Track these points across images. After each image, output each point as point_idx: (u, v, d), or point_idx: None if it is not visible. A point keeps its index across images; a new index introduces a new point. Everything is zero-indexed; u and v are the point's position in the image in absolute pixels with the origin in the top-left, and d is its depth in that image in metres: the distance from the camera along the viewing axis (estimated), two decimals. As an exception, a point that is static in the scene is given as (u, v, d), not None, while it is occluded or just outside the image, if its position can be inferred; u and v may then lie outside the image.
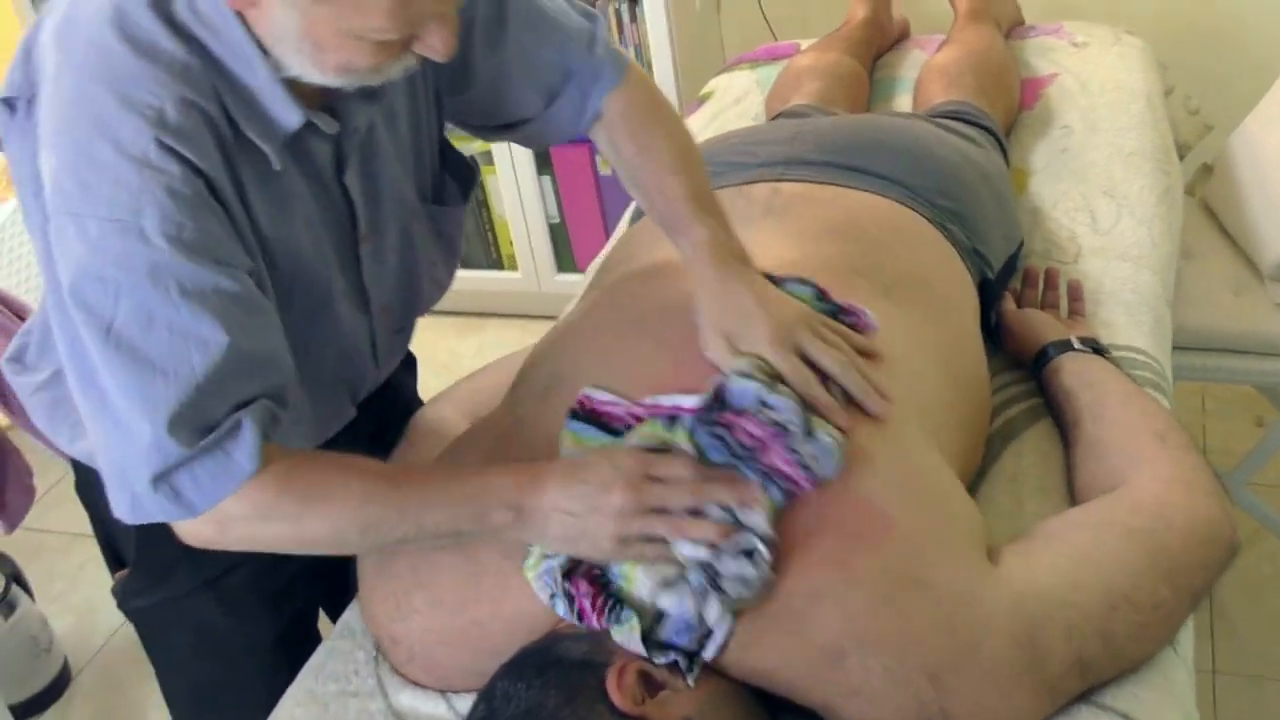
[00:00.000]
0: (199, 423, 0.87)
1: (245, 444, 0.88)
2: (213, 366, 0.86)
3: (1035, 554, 0.98)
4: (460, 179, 1.23)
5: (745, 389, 0.96)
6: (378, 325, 1.16)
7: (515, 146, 2.65)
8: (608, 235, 2.70)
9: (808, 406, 0.97)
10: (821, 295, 1.09)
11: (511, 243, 2.84)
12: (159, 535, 1.12)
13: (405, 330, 1.25)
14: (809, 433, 0.94)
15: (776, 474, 0.94)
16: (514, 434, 1.08)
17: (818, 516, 0.93)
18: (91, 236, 0.84)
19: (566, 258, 2.84)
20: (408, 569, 1.06)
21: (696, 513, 0.92)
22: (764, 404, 0.95)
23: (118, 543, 1.27)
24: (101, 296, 0.85)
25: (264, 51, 0.89)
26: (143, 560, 1.21)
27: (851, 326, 1.07)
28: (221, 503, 0.89)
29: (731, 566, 0.90)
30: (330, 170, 1.02)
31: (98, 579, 2.44)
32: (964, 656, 0.89)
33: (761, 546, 0.90)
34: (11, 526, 1.79)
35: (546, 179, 2.72)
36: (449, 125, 1.20)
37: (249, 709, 1.18)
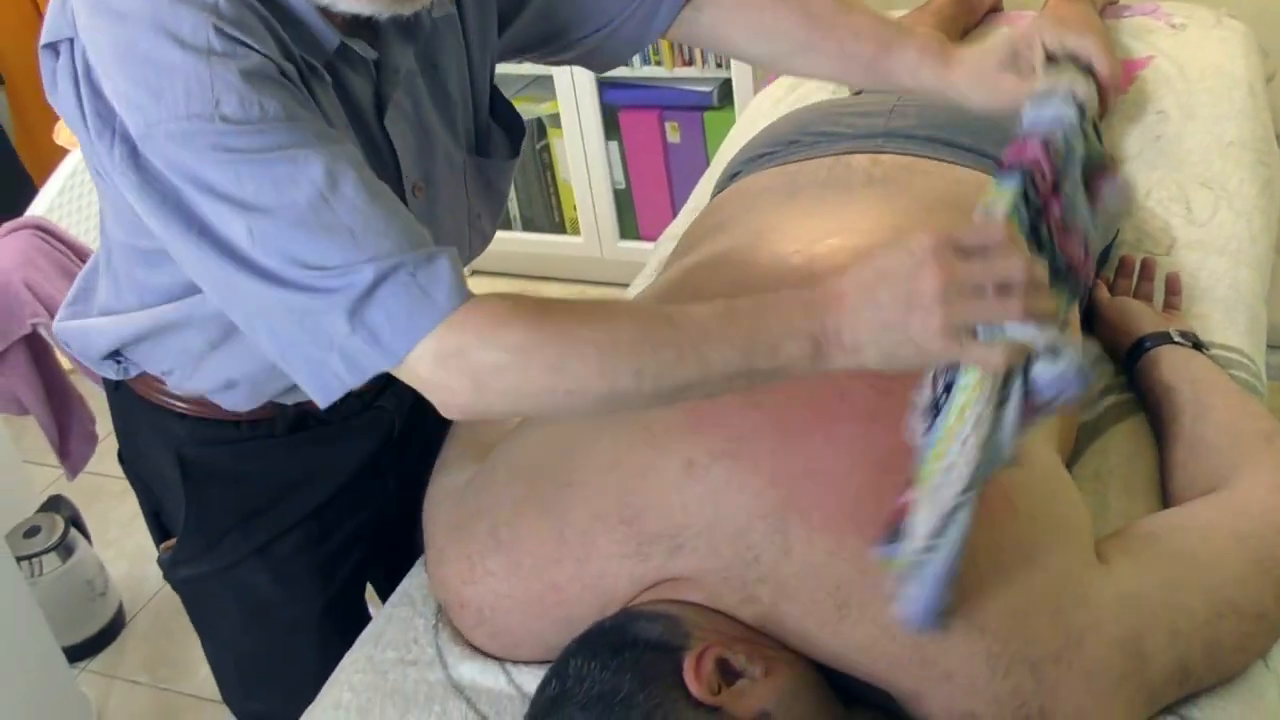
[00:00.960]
0: (381, 253, 0.80)
1: (441, 277, 0.80)
2: (359, 198, 0.81)
3: (1141, 554, 0.95)
4: (510, 131, 1.18)
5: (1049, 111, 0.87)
6: None
7: (584, 110, 2.63)
8: (674, 204, 2.67)
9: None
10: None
11: (575, 207, 2.82)
12: (210, 503, 1.12)
13: None
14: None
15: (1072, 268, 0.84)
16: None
17: None
18: (181, 138, 0.80)
19: (630, 225, 2.82)
20: (487, 531, 1.04)
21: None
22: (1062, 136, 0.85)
23: (163, 511, 1.25)
24: (226, 179, 0.80)
25: None
26: (192, 528, 1.19)
27: None
28: (471, 351, 0.80)
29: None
30: (371, 112, 0.99)
31: (153, 526, 2.46)
32: (1068, 648, 0.86)
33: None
34: (74, 472, 1.81)
35: (614, 144, 2.69)
36: (515, 61, 1.16)
37: (296, 680, 1.17)
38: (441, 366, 0.81)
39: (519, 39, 1.13)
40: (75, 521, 2.19)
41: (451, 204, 1.11)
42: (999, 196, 0.84)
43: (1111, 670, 0.87)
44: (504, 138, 1.18)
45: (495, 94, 1.17)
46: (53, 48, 0.89)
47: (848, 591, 0.88)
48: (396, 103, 0.99)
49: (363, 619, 1.20)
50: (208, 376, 1.08)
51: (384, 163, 1.01)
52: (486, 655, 1.07)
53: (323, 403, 0.86)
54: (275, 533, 1.20)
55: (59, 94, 0.90)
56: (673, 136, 2.64)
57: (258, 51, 0.82)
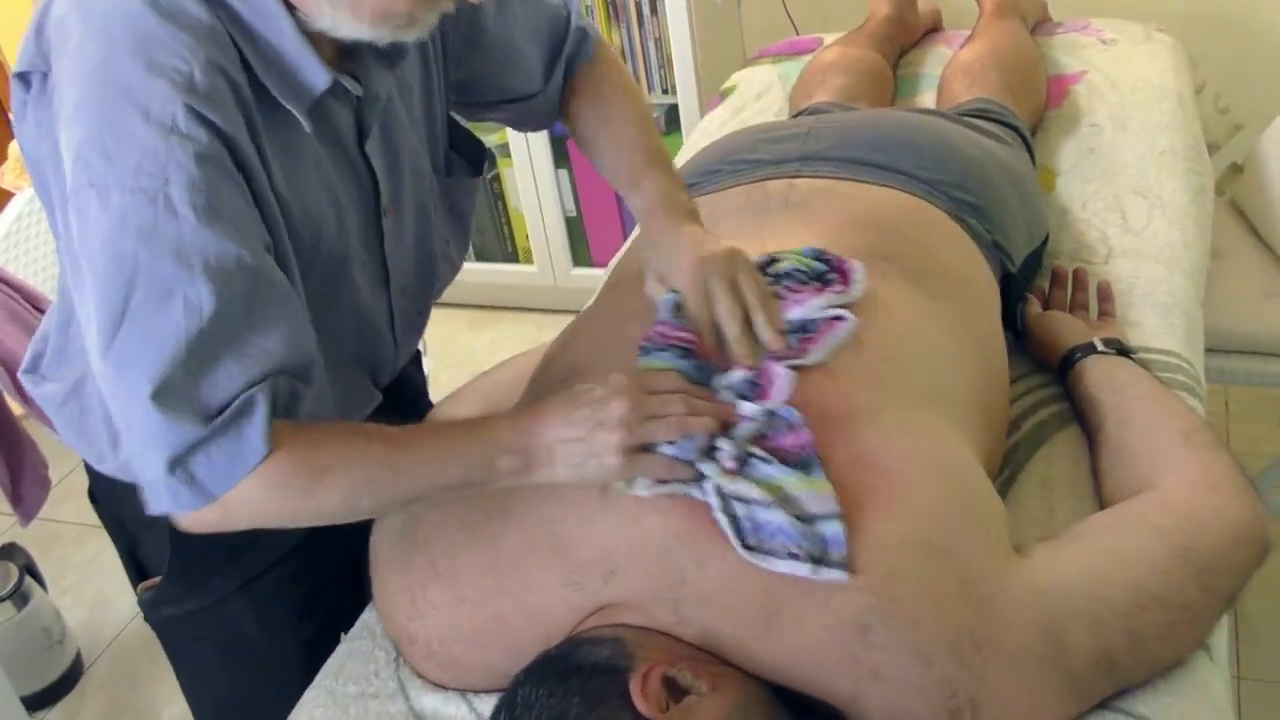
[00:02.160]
0: (211, 402, 0.85)
1: (257, 423, 0.85)
2: (228, 345, 0.85)
3: (1061, 549, 0.97)
4: (468, 155, 1.24)
5: (658, 354, 1.02)
6: (396, 305, 1.15)
7: (533, 140, 2.64)
8: (625, 230, 2.69)
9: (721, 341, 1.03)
10: (819, 254, 1.11)
11: (528, 236, 2.82)
12: (195, 541, 1.10)
13: (423, 312, 1.25)
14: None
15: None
16: None
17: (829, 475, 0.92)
18: (114, 208, 0.82)
19: (583, 252, 2.83)
20: (425, 564, 1.05)
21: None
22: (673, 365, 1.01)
23: (141, 553, 1.25)
24: (118, 274, 0.83)
25: (289, 9, 0.88)
26: (177, 568, 1.19)
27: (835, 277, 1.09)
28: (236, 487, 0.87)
29: (744, 489, 0.91)
30: (352, 139, 1.02)
31: (111, 570, 2.43)
32: (985, 631, 0.87)
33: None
34: (28, 519, 1.78)
35: (564, 172, 2.70)
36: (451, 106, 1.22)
37: (279, 717, 1.16)
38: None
39: (469, 77, 1.18)
40: (30, 569, 2.16)
41: (419, 225, 1.15)
42: (657, 366, 1.01)
43: (1035, 658, 0.88)
44: (464, 162, 1.24)
45: (453, 123, 1.22)
46: (24, 78, 0.91)
47: (767, 599, 0.89)
48: (376, 129, 1.03)
49: None
50: None
51: (363, 187, 1.05)
52: (447, 687, 1.07)
53: (149, 508, 0.90)
54: (258, 569, 1.20)
55: (25, 124, 0.92)
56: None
57: (220, 134, 0.85)
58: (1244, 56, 2.35)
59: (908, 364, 1.04)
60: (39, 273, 1.82)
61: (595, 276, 2.40)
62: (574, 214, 2.77)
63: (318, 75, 0.91)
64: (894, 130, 1.41)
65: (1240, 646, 1.85)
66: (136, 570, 1.26)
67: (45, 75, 0.88)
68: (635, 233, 1.83)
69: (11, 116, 0.95)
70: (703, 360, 1.02)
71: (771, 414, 0.95)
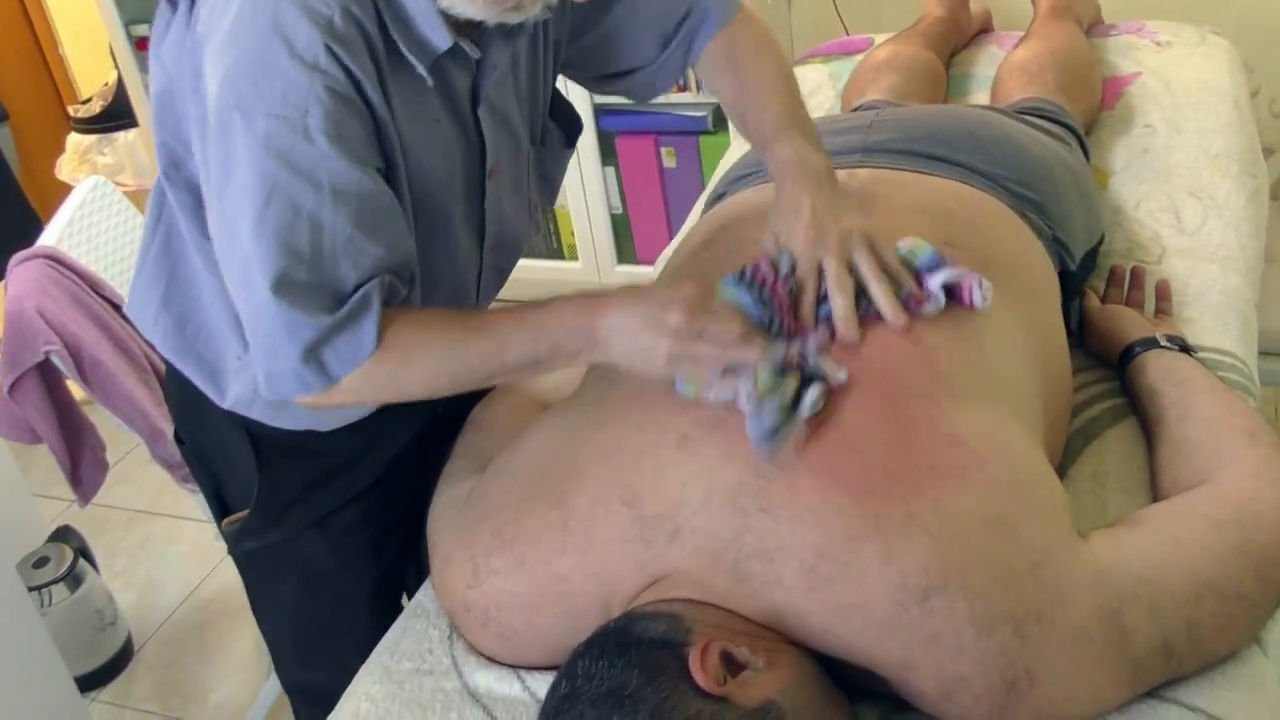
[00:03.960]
0: (334, 297, 0.97)
1: (372, 314, 0.98)
2: (346, 248, 0.97)
3: (1122, 536, 0.98)
4: (566, 126, 1.30)
5: (739, 289, 1.03)
6: (487, 260, 1.22)
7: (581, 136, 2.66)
8: (670, 228, 2.70)
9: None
10: (938, 254, 1.08)
11: (573, 233, 2.85)
12: (280, 476, 1.23)
13: (506, 270, 1.31)
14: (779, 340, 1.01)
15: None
16: (610, 392, 1.09)
17: (905, 443, 0.94)
18: (259, 131, 0.93)
19: (628, 249, 2.84)
20: (491, 532, 1.07)
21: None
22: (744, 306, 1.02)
23: (225, 489, 1.32)
24: (260, 190, 0.94)
25: None
26: (263, 503, 1.27)
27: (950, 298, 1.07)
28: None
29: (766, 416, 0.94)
30: (466, 102, 1.10)
31: (161, 554, 2.48)
32: (1048, 609, 0.88)
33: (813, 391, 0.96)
34: (86, 500, 1.82)
35: (610, 169, 2.72)
36: (570, 78, 1.30)
37: (347, 650, 1.21)
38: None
39: (579, 56, 1.26)
40: (83, 552, 2.20)
41: (514, 189, 1.22)
42: (734, 298, 1.03)
43: (1094, 637, 0.88)
44: (559, 132, 1.30)
45: (555, 94, 1.28)
46: (171, 2, 1.01)
47: (829, 551, 0.90)
48: (488, 96, 1.11)
49: (401, 603, 1.28)
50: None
51: (471, 148, 1.13)
52: (501, 663, 1.09)
53: (267, 395, 1.02)
54: (334, 506, 1.28)
55: (164, 44, 1.04)
56: (668, 161, 2.67)
57: (351, 76, 0.95)
58: (1299, 61, 2.33)
59: (985, 350, 1.04)
60: (101, 259, 1.85)
61: (641, 274, 2.42)
62: (620, 211, 2.78)
63: (441, 36, 1.00)
64: (957, 124, 1.41)
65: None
66: (220, 506, 1.33)
67: (193, 1, 0.98)
68: (684, 229, 1.85)
69: (150, 37, 1.07)
70: (778, 315, 1.02)
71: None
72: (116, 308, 1.74)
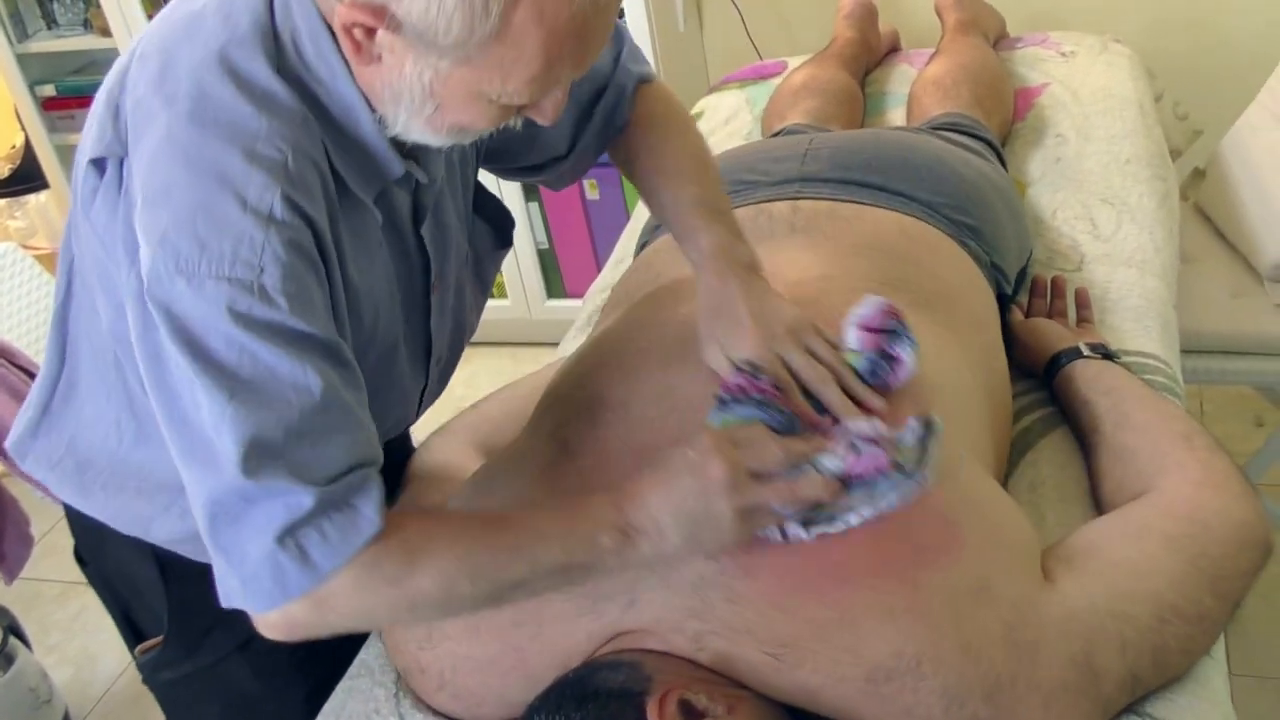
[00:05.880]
0: (319, 477, 0.83)
1: (372, 498, 0.84)
2: (331, 423, 0.84)
3: (1083, 569, 0.97)
4: (497, 225, 1.22)
5: (735, 408, 0.97)
6: (431, 375, 1.15)
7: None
8: (597, 261, 2.69)
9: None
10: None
11: (501, 271, 2.83)
12: (192, 601, 1.10)
13: (446, 381, 1.24)
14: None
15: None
16: (563, 461, 1.05)
17: (884, 525, 0.91)
18: (210, 295, 0.80)
19: (556, 284, 2.83)
20: None
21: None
22: (755, 418, 0.96)
23: (134, 614, 1.23)
24: (228, 353, 0.81)
25: (367, 102, 0.87)
26: (176, 629, 1.18)
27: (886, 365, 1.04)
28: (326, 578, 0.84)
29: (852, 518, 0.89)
30: (408, 221, 1.02)
31: (96, 627, 2.40)
32: (1021, 670, 0.88)
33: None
34: (11, 577, 1.76)
35: (534, 206, 2.71)
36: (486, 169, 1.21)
37: None
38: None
39: (500, 148, 1.16)
40: (13, 629, 2.13)
41: (457, 296, 1.15)
42: (736, 420, 0.96)
43: (1068, 689, 0.88)
44: (489, 230, 1.21)
45: (483, 192, 1.20)
46: (99, 164, 0.88)
47: (794, 640, 0.90)
48: (430, 212, 1.03)
49: None
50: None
51: (412, 269, 1.04)
52: (449, 718, 1.07)
53: (243, 606, 0.86)
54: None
55: (94, 209, 0.90)
56: (591, 194, 2.67)
57: (309, 223, 0.84)
58: (1200, 63, 2.39)
59: (944, 401, 1.03)
60: (14, 328, 1.81)
61: (570, 308, 2.41)
62: (546, 246, 2.77)
63: (392, 164, 0.92)
64: (891, 150, 1.42)
65: (1231, 643, 1.86)
66: (132, 632, 1.23)
67: (121, 160, 0.87)
68: (612, 260, 1.85)
69: (76, 205, 0.93)
70: (784, 410, 0.97)
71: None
72: (31, 375, 1.69)
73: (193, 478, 0.85)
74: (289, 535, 0.82)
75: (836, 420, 0.97)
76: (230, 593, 0.86)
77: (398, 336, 1.05)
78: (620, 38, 1.14)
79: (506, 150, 1.15)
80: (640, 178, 1.15)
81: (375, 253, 0.97)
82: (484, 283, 1.24)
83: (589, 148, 1.17)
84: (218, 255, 0.80)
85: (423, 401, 1.18)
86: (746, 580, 0.92)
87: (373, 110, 0.87)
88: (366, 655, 1.17)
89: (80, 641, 2.38)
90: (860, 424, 0.93)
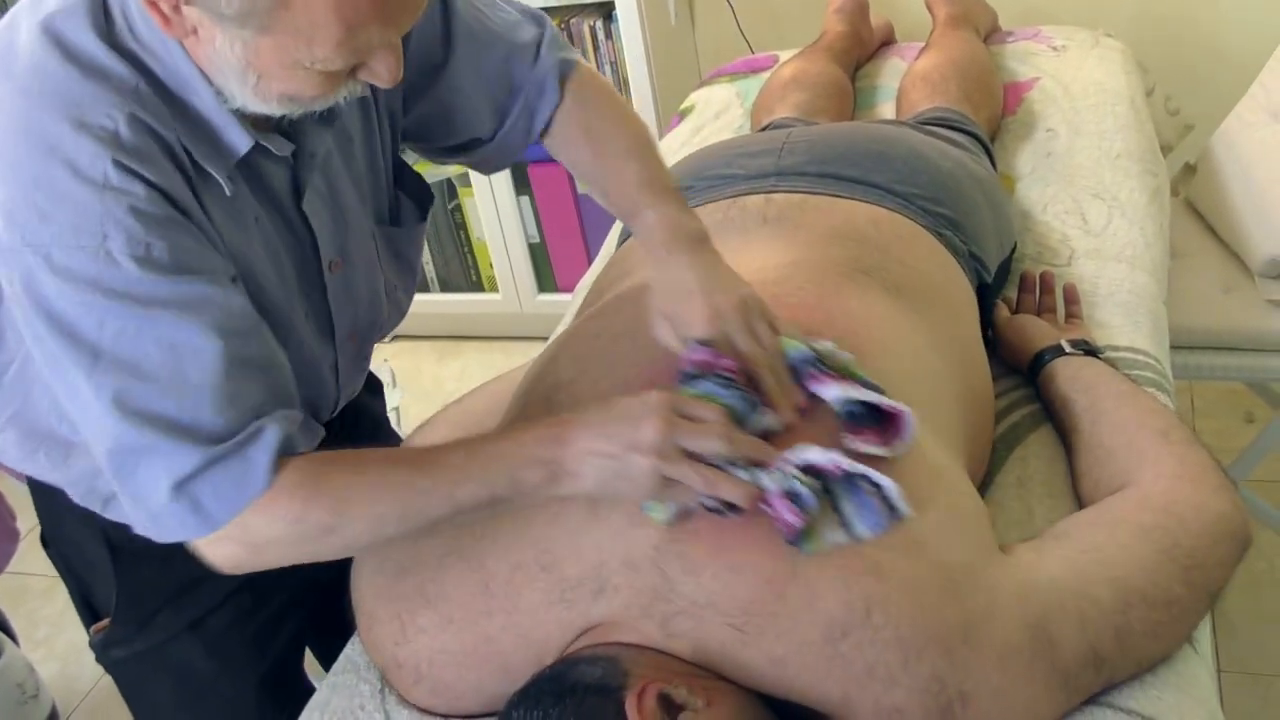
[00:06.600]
0: (214, 431, 0.85)
1: (265, 447, 0.86)
2: (210, 373, 0.85)
3: (1046, 548, 0.98)
4: (417, 199, 1.21)
5: (698, 383, 0.97)
6: (342, 351, 1.14)
7: (493, 168, 2.64)
8: (589, 254, 2.69)
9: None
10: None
11: (491, 264, 2.82)
12: (141, 582, 1.11)
13: (368, 355, 1.23)
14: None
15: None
16: None
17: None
18: (58, 266, 0.82)
19: (547, 278, 2.83)
20: (414, 589, 1.04)
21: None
22: (715, 396, 0.96)
23: (92, 594, 1.23)
24: (85, 321, 0.83)
25: (206, 77, 0.87)
26: (124, 609, 1.18)
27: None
28: (252, 523, 0.87)
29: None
30: (288, 197, 1.01)
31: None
32: (974, 628, 0.88)
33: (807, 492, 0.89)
34: (-4, 571, 1.75)
35: (525, 199, 2.70)
36: (405, 148, 1.19)
37: None
38: (223, 538, 0.88)
39: (418, 127, 1.15)
40: (0, 624, 2.12)
41: (367, 276, 1.13)
42: (698, 394, 0.95)
43: (1021, 651, 0.88)
44: (413, 206, 1.20)
45: (401, 165, 1.19)
46: None
47: (758, 604, 0.90)
48: (313, 185, 1.01)
49: (301, 688, 1.18)
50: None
51: (301, 243, 1.03)
52: (434, 715, 1.06)
53: (159, 539, 0.89)
54: (207, 608, 1.19)
55: None
56: (583, 186, 2.67)
57: (154, 186, 0.84)
58: (1192, 59, 2.39)
59: (892, 379, 1.03)
60: None
61: (561, 302, 2.41)
62: (537, 240, 2.77)
63: (239, 138, 0.91)
64: (868, 144, 1.42)
65: (1219, 640, 1.87)
66: (89, 612, 1.24)
67: None
68: (602, 254, 1.84)
69: None
70: (746, 391, 0.97)
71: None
72: None
73: (89, 435, 0.88)
74: (180, 489, 0.85)
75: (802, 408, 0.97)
76: (141, 525, 0.89)
77: (291, 311, 1.03)
78: (541, 22, 1.14)
79: (427, 130, 1.15)
80: (580, 164, 1.15)
81: (250, 224, 0.96)
82: (404, 260, 1.21)
83: (515, 130, 1.14)
84: (59, 226, 0.81)
85: (340, 375, 1.16)
86: (700, 546, 0.92)
87: (211, 85, 0.87)
88: (352, 651, 1.16)
89: (68, 636, 2.37)
90: (813, 453, 0.92)
